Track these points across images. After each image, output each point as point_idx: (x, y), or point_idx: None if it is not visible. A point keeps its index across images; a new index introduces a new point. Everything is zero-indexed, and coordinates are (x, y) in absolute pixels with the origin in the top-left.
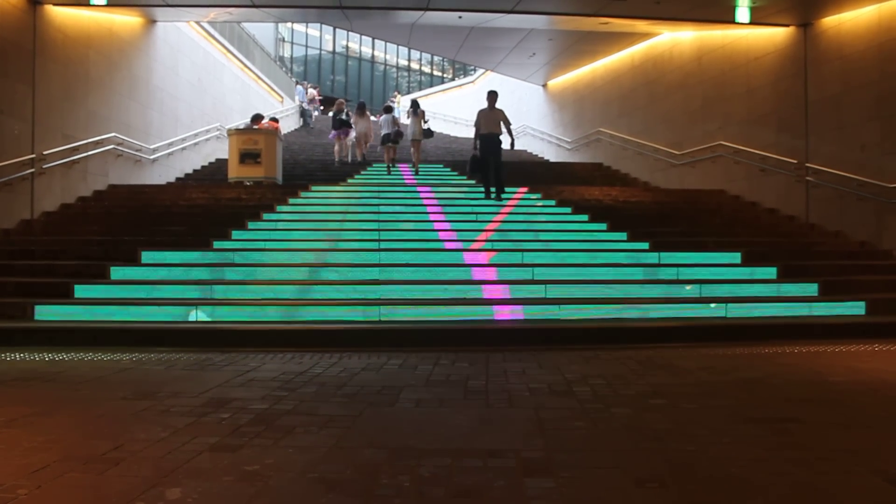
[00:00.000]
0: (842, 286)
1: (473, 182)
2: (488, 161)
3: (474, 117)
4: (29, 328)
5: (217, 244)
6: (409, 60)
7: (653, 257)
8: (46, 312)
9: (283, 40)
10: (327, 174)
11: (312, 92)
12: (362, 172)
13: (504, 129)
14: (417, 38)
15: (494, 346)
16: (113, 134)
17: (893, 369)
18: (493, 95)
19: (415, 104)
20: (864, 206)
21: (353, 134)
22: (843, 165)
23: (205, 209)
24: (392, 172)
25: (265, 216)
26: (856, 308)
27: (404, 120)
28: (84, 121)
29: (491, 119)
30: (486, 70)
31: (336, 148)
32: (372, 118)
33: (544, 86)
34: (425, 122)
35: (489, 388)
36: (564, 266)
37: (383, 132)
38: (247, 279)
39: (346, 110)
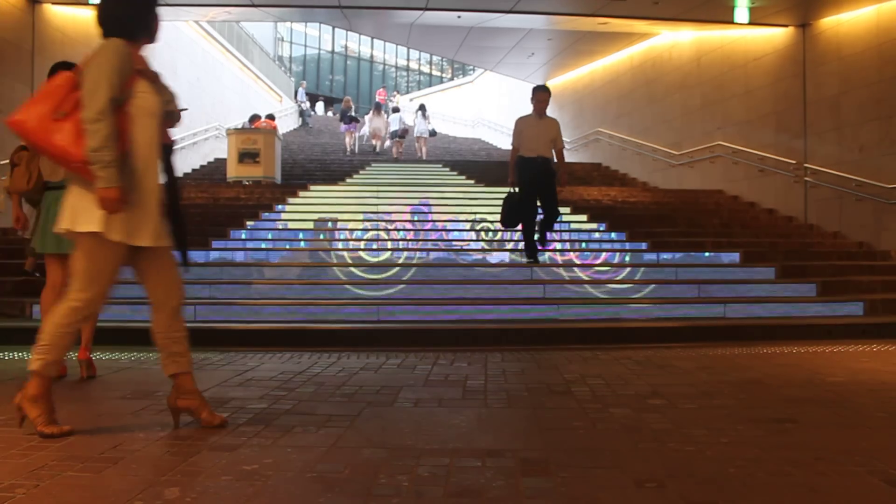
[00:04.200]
0: (840, 286)
1: (472, 182)
2: (531, 203)
3: (472, 116)
4: (27, 327)
5: (216, 243)
6: (408, 60)
7: (651, 257)
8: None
9: (283, 40)
10: (326, 174)
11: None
12: (361, 172)
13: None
14: (416, 38)
15: (493, 346)
16: None
17: (892, 370)
18: (543, 95)
19: (422, 108)
20: (863, 207)
21: (366, 129)
22: (842, 166)
23: (203, 209)
24: (397, 164)
25: (264, 216)
26: (854, 308)
27: (408, 122)
28: None
29: (540, 134)
30: (486, 70)
31: (347, 140)
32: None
33: None
34: (429, 123)
35: (488, 388)
36: (563, 266)
37: (392, 129)
38: (245, 279)
39: (353, 107)
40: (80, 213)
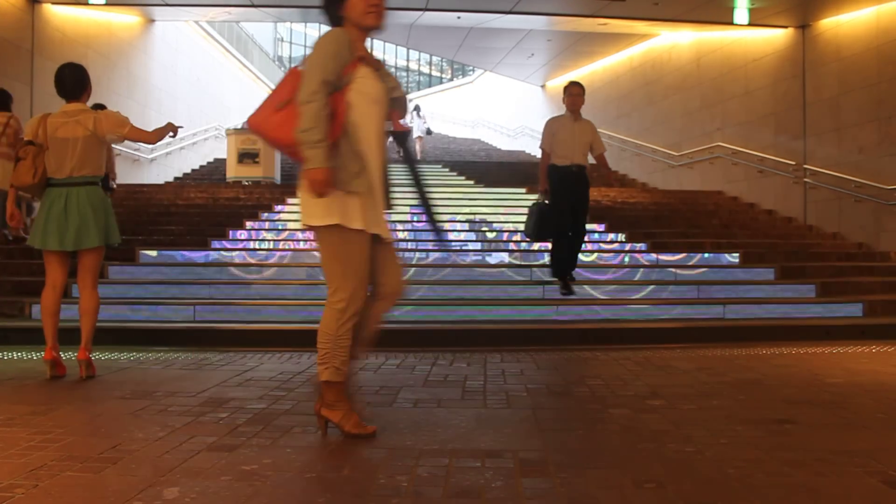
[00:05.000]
0: (839, 288)
1: (472, 182)
2: (565, 217)
3: (472, 116)
4: (26, 327)
5: (215, 243)
6: (407, 60)
7: (651, 258)
8: None
9: (282, 40)
10: None
11: None
12: None
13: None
14: (416, 39)
15: (492, 346)
16: None
17: (890, 371)
18: (576, 90)
19: (417, 108)
20: (862, 208)
21: None
22: (841, 167)
23: (203, 209)
24: (395, 166)
25: (263, 216)
26: (853, 309)
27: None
28: None
29: (576, 138)
30: (485, 70)
31: None
32: None
33: (543, 86)
34: (425, 122)
35: (487, 389)
36: None
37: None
38: (245, 279)
39: None
40: (315, 207)
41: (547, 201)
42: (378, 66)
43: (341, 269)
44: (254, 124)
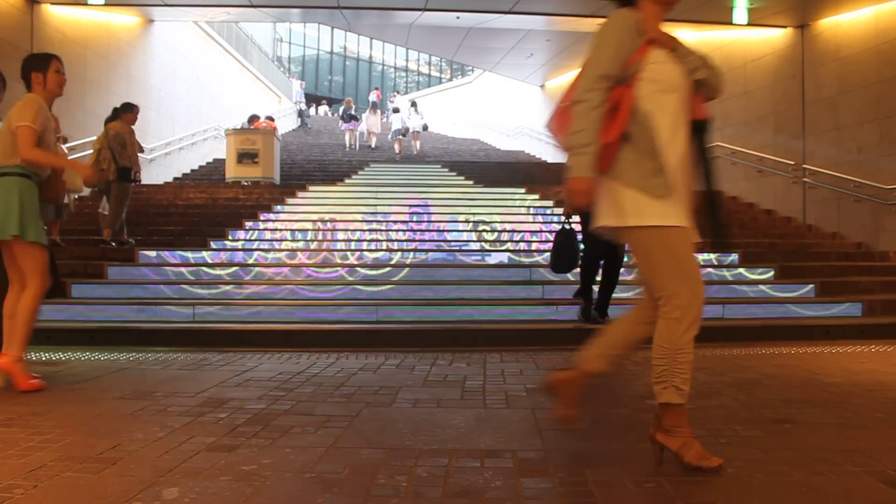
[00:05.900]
0: (838, 287)
1: (471, 182)
2: (597, 243)
3: (471, 116)
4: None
5: (214, 244)
6: (406, 61)
7: None
8: (43, 311)
9: (281, 40)
10: (325, 174)
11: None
12: (360, 173)
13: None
14: (415, 39)
15: (491, 346)
16: None
17: (890, 370)
18: None
19: (414, 104)
20: (861, 208)
21: (363, 126)
22: (840, 167)
23: (202, 209)
24: (396, 164)
25: (263, 216)
26: (852, 309)
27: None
28: (81, 121)
29: None
30: (485, 70)
31: (347, 138)
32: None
33: (542, 86)
34: (422, 118)
35: (486, 389)
36: None
37: (394, 128)
38: (244, 279)
39: (353, 107)
40: (637, 206)
41: (571, 225)
42: (674, 46)
43: (664, 274)
44: (549, 128)
